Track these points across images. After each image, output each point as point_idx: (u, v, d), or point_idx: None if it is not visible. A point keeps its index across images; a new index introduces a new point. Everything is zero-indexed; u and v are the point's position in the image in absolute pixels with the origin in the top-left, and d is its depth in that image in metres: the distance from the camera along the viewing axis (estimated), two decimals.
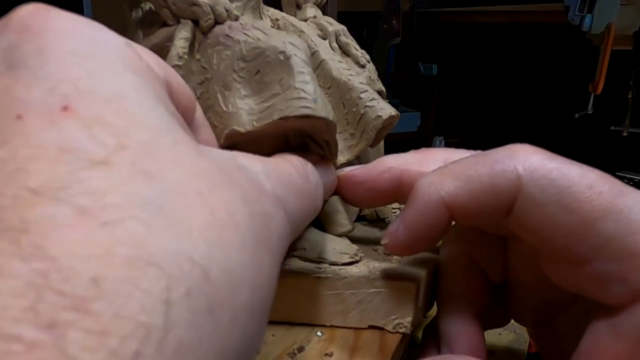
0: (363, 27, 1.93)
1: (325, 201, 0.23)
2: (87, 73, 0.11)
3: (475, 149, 0.20)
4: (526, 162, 0.16)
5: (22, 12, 0.11)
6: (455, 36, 2.02)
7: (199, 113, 0.16)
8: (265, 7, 0.24)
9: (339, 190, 0.21)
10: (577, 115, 1.31)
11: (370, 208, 0.25)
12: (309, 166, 0.18)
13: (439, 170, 0.18)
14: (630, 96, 1.29)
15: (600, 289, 0.16)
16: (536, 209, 0.16)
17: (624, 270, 0.15)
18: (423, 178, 0.18)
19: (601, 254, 0.15)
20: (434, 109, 2.05)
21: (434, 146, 1.78)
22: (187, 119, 0.15)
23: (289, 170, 0.15)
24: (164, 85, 0.13)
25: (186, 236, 0.09)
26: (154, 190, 0.09)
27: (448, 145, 1.75)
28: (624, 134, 1.32)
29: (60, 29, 0.11)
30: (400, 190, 0.20)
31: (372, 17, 1.92)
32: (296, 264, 0.21)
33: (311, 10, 0.25)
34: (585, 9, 1.21)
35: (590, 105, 1.28)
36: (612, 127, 1.34)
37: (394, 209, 0.27)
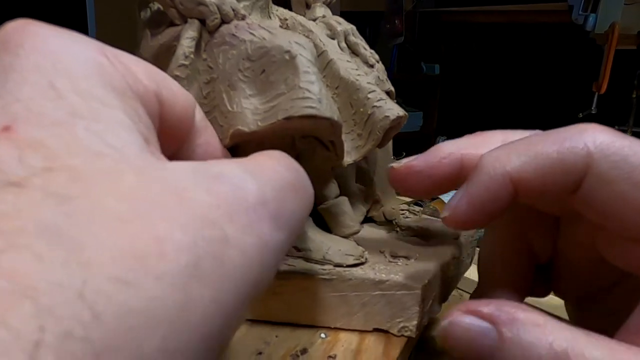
0: (366, 27, 1.92)
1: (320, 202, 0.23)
2: (45, 92, 0.10)
3: None
4: (597, 139, 0.16)
5: (7, 28, 0.12)
6: (457, 36, 2.01)
7: (199, 116, 0.16)
8: (275, 7, 0.24)
9: (396, 183, 0.20)
10: (581, 115, 1.31)
11: (429, 197, 0.24)
12: (291, 159, 0.16)
13: (505, 146, 0.17)
14: (634, 96, 1.29)
15: None
16: (607, 185, 0.16)
17: None
18: (488, 153, 0.17)
19: None
20: (437, 109, 2.04)
21: None
22: (181, 127, 0.15)
23: (274, 167, 0.14)
24: (151, 98, 0.13)
25: (82, 269, 0.08)
26: (60, 215, 0.09)
27: None
28: (628, 134, 1.32)
29: (32, 46, 0.11)
30: (461, 176, 0.19)
31: (375, 17, 1.91)
32: (301, 265, 0.21)
33: (320, 10, 0.25)
34: (589, 9, 1.21)
35: (594, 105, 1.27)
36: (616, 127, 1.33)
37: (402, 210, 0.26)
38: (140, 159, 0.11)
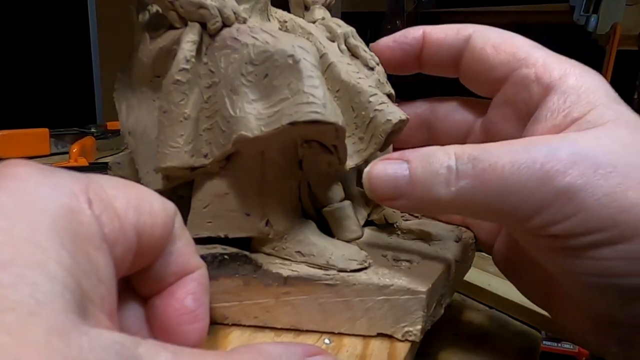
0: (367, 28, 1.92)
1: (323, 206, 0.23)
2: None
3: None
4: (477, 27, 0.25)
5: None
6: None
7: (178, 224, 0.16)
8: (273, 9, 0.24)
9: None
10: None
11: (402, 71, 0.28)
12: None
13: None
14: (636, 97, 1.28)
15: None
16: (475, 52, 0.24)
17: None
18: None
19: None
20: None
21: None
22: (161, 243, 0.15)
23: None
24: (127, 236, 0.13)
25: None
26: None
27: None
28: None
29: (7, 186, 0.12)
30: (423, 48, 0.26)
31: (376, 18, 1.91)
32: (304, 270, 0.21)
33: (319, 12, 0.25)
34: (590, 9, 1.20)
35: None
36: None
37: (402, 213, 0.26)
38: (60, 318, 0.10)
